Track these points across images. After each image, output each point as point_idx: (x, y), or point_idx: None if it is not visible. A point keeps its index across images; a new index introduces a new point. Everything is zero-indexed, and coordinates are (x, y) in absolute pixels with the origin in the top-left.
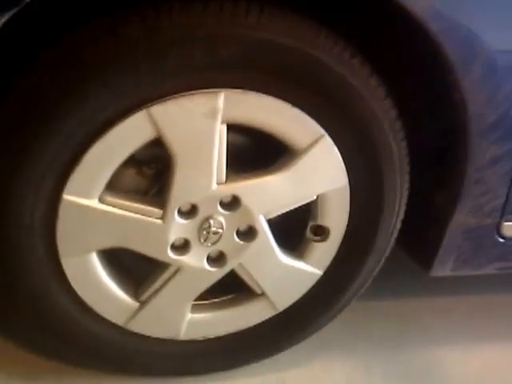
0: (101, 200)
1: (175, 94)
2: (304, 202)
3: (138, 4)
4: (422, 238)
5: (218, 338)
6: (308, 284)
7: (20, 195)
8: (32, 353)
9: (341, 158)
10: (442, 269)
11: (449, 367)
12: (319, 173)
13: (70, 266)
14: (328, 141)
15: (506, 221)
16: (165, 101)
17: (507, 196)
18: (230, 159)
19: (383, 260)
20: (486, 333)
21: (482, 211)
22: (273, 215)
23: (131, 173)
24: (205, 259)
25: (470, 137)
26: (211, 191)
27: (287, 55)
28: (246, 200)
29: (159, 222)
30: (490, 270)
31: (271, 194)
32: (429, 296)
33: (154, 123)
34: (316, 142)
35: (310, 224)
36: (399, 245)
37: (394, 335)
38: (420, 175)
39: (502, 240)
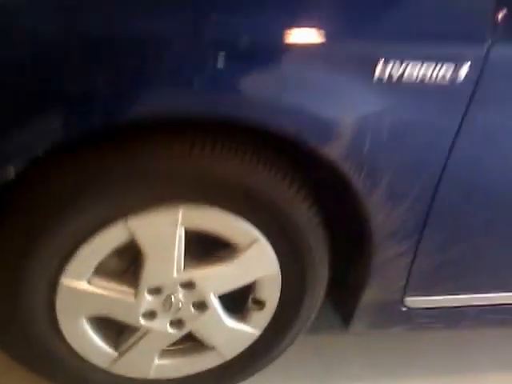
0: (89, 282)
1: (146, 208)
2: (246, 284)
3: (116, 134)
4: (341, 303)
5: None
6: (249, 340)
7: (27, 281)
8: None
9: (274, 254)
10: (358, 327)
11: None
12: (257, 264)
13: (65, 327)
14: (264, 242)
15: (408, 296)
16: (138, 214)
17: (407, 280)
18: (189, 247)
19: (310, 321)
20: (407, 369)
21: (387, 290)
22: (221, 293)
23: (113, 259)
24: (168, 324)
25: (375, 240)
26: (172, 277)
27: (239, 186)
28: (199, 283)
29: (132, 299)
30: (397, 330)
31: (219, 278)
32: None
33: (129, 230)
34: (254, 242)
35: (251, 296)
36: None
37: (321, 369)
38: (338, 260)
39: (405, 309)
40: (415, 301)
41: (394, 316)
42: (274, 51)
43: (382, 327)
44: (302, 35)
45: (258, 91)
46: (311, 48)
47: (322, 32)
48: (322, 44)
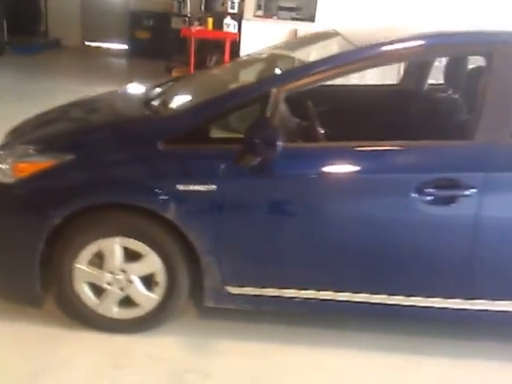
0: (86, 266)
1: (104, 237)
2: (149, 273)
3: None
4: (198, 288)
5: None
6: (155, 302)
7: (65, 266)
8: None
9: (159, 259)
10: (208, 303)
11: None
12: (151, 263)
13: (77, 287)
14: (154, 254)
15: (227, 286)
16: (101, 240)
17: (221, 276)
18: (125, 254)
19: (184, 295)
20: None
21: (214, 281)
22: (139, 276)
23: (95, 257)
24: (117, 288)
25: (198, 254)
26: (116, 267)
27: (144, 231)
28: (128, 270)
29: (102, 275)
30: (233, 307)
31: (136, 269)
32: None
33: (99, 246)
34: (149, 253)
35: (154, 279)
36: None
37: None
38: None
39: (228, 294)
40: (231, 289)
41: (224, 297)
42: None
43: (222, 304)
44: None
45: None
46: None
47: None
48: None
